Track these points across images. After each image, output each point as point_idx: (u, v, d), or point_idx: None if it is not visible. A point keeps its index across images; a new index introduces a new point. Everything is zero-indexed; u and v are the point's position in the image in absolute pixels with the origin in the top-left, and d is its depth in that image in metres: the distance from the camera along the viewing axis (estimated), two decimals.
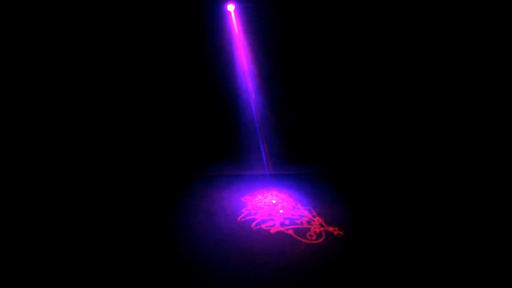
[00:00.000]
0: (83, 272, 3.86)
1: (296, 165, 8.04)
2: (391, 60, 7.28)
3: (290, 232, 4.78)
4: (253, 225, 5.03)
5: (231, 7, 7.29)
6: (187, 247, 4.35)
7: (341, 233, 4.70)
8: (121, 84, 7.60)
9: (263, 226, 5.00)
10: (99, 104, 7.49)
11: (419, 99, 7.23)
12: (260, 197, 6.21)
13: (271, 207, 5.73)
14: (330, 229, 4.83)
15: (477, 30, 6.22)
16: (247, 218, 5.29)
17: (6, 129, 6.43)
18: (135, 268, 3.90)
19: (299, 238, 4.58)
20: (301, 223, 5.06)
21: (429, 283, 3.56)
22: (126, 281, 3.69)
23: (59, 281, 3.69)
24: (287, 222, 5.11)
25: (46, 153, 6.82)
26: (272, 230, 4.84)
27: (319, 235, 4.67)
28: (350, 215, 5.30)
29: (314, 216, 5.29)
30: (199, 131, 8.37)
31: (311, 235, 4.66)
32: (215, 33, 7.53)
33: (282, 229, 4.88)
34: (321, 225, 4.96)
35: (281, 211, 5.56)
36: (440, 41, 6.67)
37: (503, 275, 3.61)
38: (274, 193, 6.40)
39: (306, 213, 5.45)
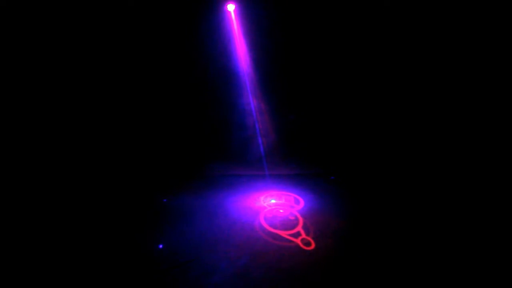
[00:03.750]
0: (81, 271, 3.82)
1: (296, 165, 8.04)
2: (390, 61, 7.32)
3: (289, 231, 4.76)
4: (252, 224, 5.01)
5: (231, 7, 7.31)
6: (187, 247, 4.32)
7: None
8: (120, 83, 7.59)
9: (263, 225, 4.97)
10: (98, 104, 7.47)
11: (418, 99, 7.25)
12: (260, 197, 6.19)
13: (271, 206, 5.71)
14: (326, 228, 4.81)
15: (477, 30, 6.26)
16: (247, 217, 5.27)
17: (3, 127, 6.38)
18: (135, 269, 3.86)
19: (298, 238, 4.56)
20: (300, 222, 5.04)
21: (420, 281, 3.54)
22: (126, 281, 3.65)
23: (55, 281, 3.66)
24: (286, 220, 5.09)
25: (35, 151, 6.71)
26: (272, 229, 4.82)
27: (315, 234, 4.65)
28: (348, 214, 5.29)
29: (312, 216, 5.28)
30: (198, 131, 8.36)
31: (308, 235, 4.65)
32: (215, 32, 7.54)
33: (282, 228, 4.85)
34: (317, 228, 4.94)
35: (281, 210, 5.54)
36: (440, 41, 6.70)
37: (503, 275, 3.60)
38: (273, 193, 6.38)
39: (305, 212, 5.43)
